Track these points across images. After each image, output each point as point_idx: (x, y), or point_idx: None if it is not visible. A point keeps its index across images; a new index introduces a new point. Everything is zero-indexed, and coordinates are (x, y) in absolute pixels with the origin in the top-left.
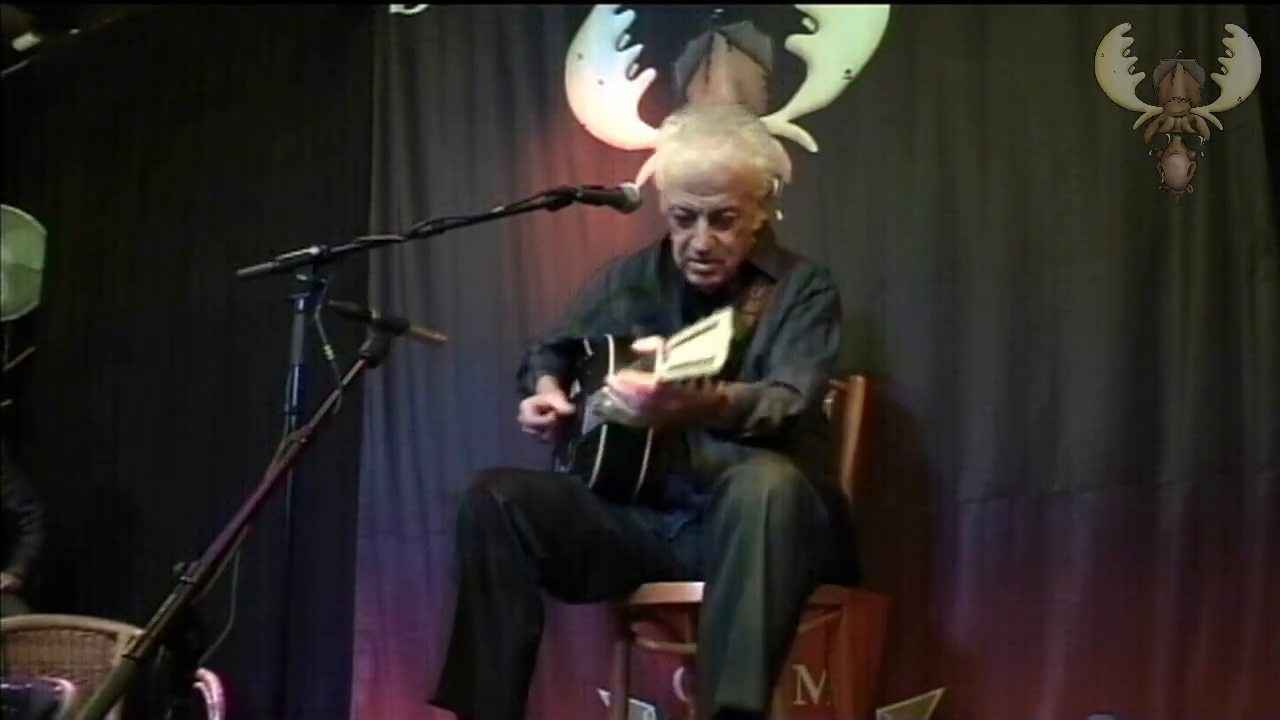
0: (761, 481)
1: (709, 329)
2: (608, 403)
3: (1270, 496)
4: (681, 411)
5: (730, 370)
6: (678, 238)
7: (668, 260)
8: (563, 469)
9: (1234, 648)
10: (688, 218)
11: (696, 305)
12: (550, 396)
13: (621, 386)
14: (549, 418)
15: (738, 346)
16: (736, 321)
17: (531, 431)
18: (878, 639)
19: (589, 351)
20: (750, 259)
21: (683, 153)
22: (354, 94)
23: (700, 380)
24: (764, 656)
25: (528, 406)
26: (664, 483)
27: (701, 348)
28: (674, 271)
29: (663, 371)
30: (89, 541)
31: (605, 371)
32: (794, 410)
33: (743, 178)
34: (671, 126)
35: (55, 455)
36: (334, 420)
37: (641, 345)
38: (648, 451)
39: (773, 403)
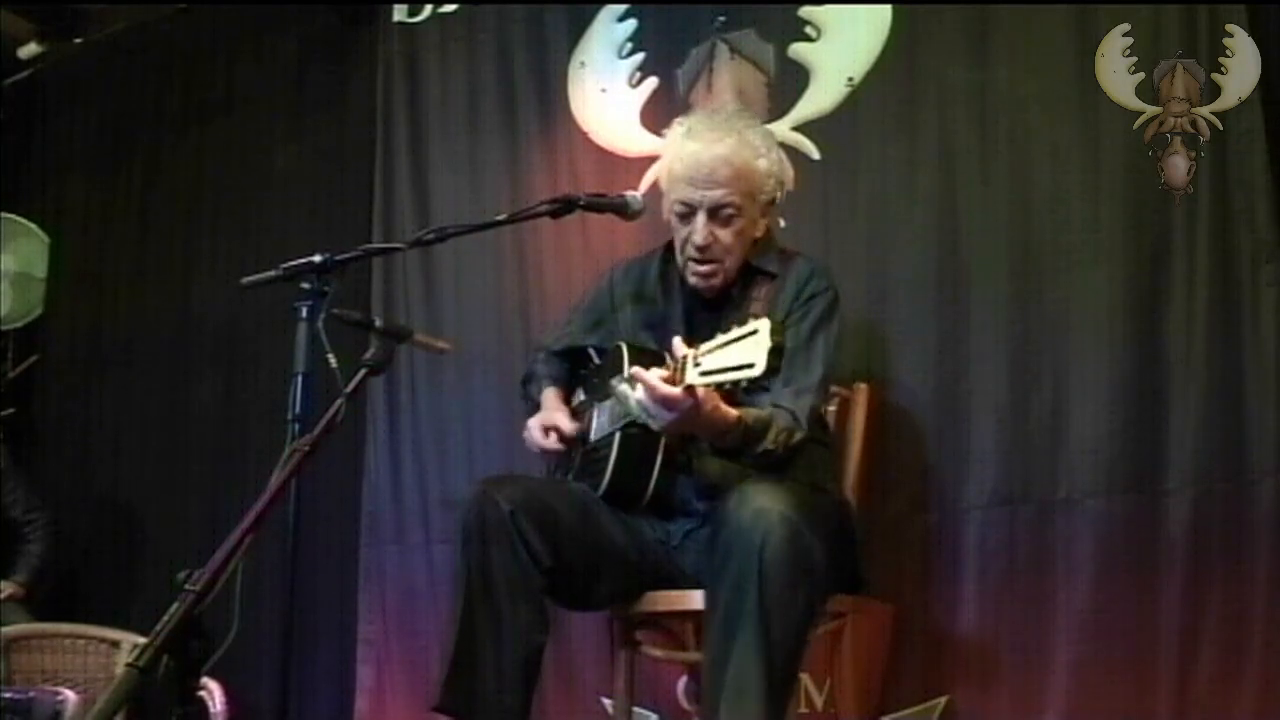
0: (757, 519)
1: (746, 335)
2: (626, 389)
3: (1275, 503)
4: (697, 424)
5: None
6: (678, 236)
7: (670, 266)
8: (561, 476)
9: (1239, 655)
10: (688, 213)
11: (698, 310)
12: (556, 416)
13: (647, 387)
14: (552, 440)
15: (778, 354)
16: (776, 330)
17: (536, 450)
18: (881, 647)
19: (596, 359)
20: (750, 260)
21: (686, 146)
22: (356, 102)
23: (735, 385)
24: (763, 697)
25: (535, 426)
26: (672, 492)
27: (738, 354)
28: (676, 277)
29: (693, 377)
30: (92, 550)
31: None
32: (795, 440)
33: (744, 175)
34: (679, 127)
35: (58, 464)
36: (337, 429)
37: (675, 347)
38: (659, 462)
39: (778, 433)
